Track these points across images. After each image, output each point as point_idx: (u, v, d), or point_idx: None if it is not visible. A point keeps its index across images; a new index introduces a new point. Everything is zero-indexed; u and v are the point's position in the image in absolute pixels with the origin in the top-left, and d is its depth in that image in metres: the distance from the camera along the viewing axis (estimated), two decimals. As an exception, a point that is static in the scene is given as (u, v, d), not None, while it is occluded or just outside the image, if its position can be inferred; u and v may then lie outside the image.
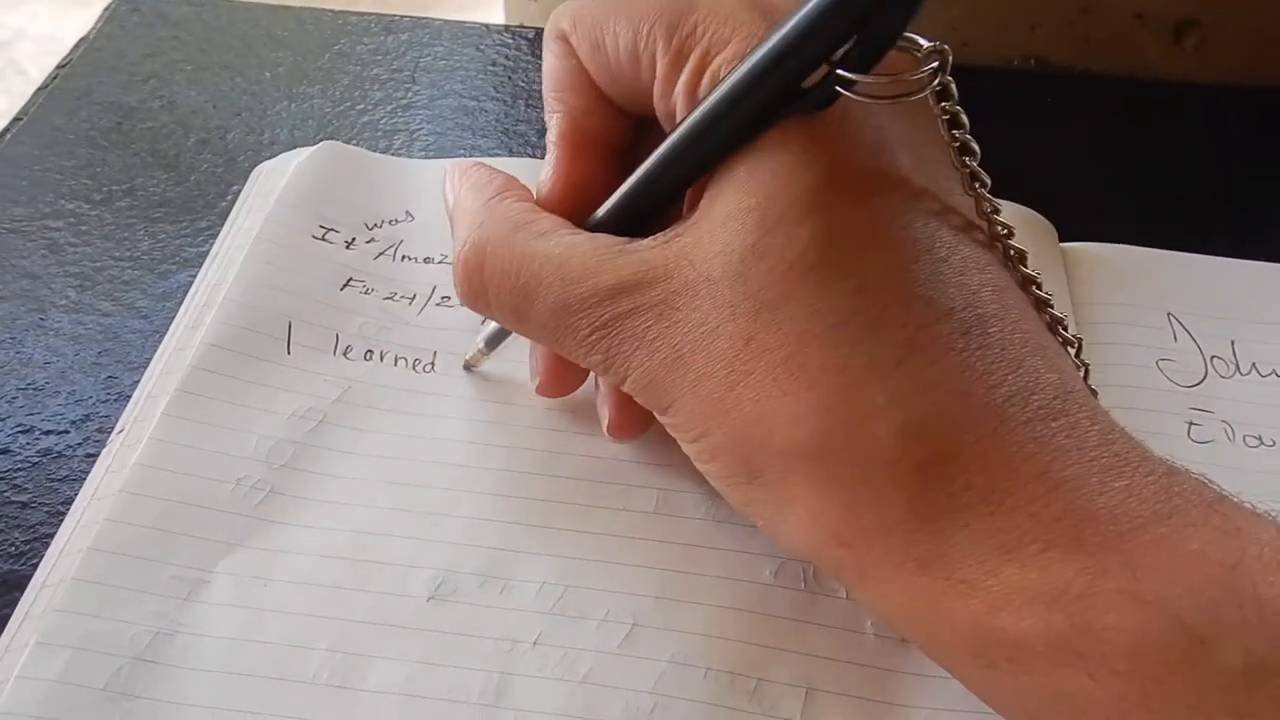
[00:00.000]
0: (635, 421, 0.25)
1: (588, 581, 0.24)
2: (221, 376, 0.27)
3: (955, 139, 0.21)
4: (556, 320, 0.22)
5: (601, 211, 0.23)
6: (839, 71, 0.19)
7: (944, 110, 0.21)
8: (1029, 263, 0.22)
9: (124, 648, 0.22)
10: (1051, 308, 0.22)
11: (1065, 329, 0.23)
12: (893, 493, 0.19)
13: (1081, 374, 0.23)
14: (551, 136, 0.25)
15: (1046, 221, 0.32)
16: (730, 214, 0.20)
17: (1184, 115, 0.38)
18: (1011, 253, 0.22)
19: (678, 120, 0.22)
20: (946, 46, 0.20)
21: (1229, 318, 0.30)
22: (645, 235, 0.22)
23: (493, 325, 0.27)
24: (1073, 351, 0.23)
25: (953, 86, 0.21)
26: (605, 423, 0.25)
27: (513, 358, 0.28)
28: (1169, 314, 0.30)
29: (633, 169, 0.23)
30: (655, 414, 0.22)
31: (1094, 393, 0.23)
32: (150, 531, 0.24)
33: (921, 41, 0.20)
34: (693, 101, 0.21)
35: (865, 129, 0.21)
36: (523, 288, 0.23)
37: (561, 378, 0.26)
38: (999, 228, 0.22)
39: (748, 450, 0.20)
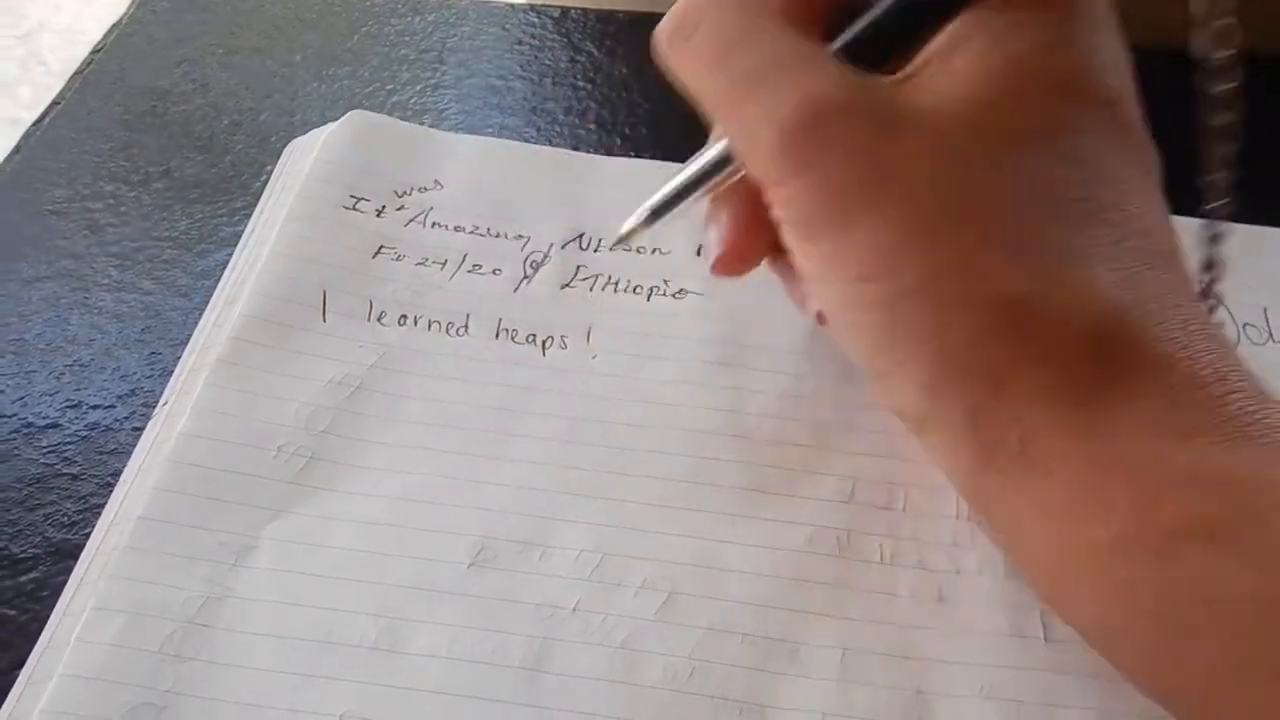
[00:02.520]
0: (753, 249, 0.24)
1: (625, 549, 0.24)
2: (260, 346, 0.28)
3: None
4: (755, 74, 0.20)
5: (837, 43, 0.21)
6: None
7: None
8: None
9: (176, 612, 0.23)
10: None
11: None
12: (1082, 364, 0.19)
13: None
14: None
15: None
16: (976, 67, 0.20)
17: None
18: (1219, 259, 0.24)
19: None
20: None
21: (1262, 286, 0.30)
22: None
23: (660, 194, 0.24)
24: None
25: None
26: (717, 249, 0.24)
27: (544, 320, 0.28)
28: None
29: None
30: (810, 243, 0.20)
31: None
32: (197, 499, 0.25)
33: None
34: None
35: (1105, 40, 0.21)
36: (733, 39, 0.21)
37: (749, 242, 0.24)
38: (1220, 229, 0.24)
39: (942, 296, 0.19)
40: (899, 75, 0.21)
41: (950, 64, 0.20)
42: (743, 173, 0.22)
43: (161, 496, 0.25)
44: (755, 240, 0.23)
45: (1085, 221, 0.20)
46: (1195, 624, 0.17)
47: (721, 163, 0.23)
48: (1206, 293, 0.24)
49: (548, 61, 0.39)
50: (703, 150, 0.24)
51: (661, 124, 0.36)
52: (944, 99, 0.20)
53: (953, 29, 0.21)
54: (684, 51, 0.22)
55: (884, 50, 0.21)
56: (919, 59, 0.21)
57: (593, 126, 0.36)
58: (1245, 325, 0.29)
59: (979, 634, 0.23)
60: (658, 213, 0.24)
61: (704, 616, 0.23)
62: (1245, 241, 0.31)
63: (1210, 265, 0.24)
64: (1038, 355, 0.19)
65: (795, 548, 0.24)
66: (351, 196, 0.31)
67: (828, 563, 0.24)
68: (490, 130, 0.36)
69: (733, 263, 0.24)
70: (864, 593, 0.23)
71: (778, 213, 0.21)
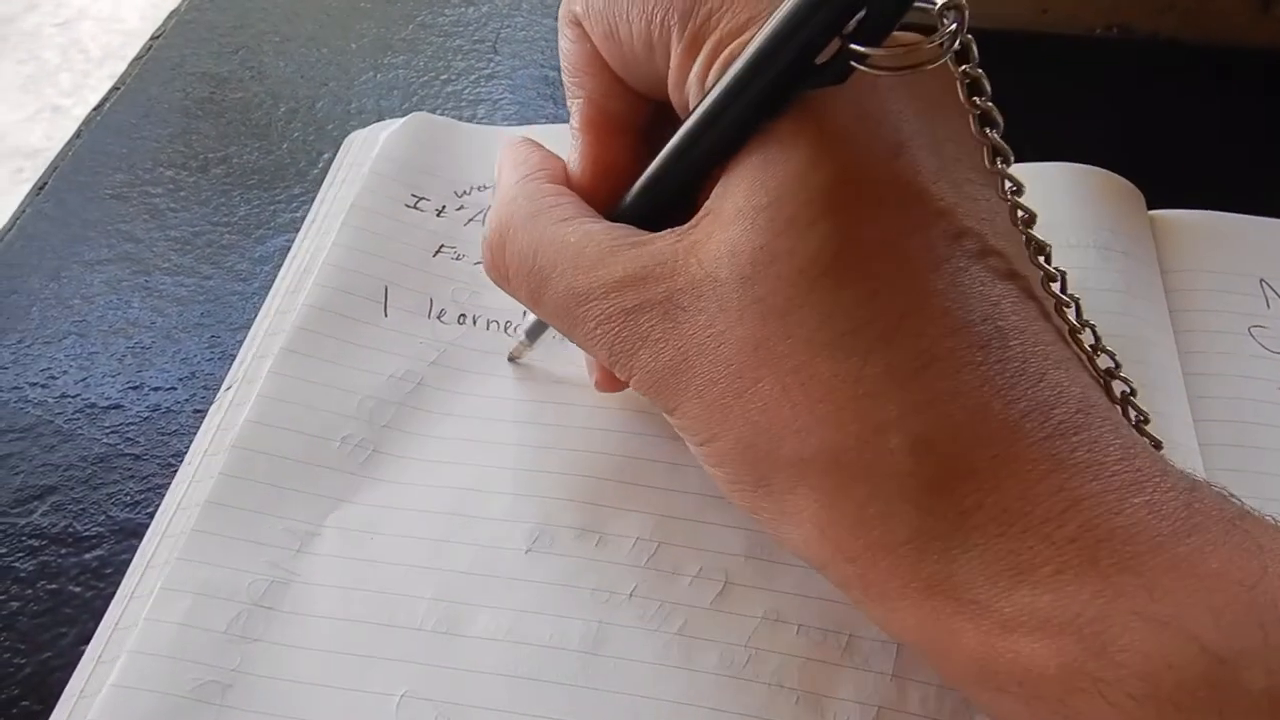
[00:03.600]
0: (618, 382, 0.25)
1: (679, 539, 0.24)
2: (323, 337, 0.28)
3: (976, 106, 0.20)
4: (567, 308, 0.22)
5: (625, 202, 0.23)
6: (851, 45, 0.18)
7: (965, 75, 0.19)
8: (1052, 258, 0.21)
9: (242, 594, 0.23)
10: (1070, 309, 0.21)
11: (1086, 328, 0.22)
12: (901, 509, 0.18)
13: (1102, 382, 0.21)
14: (574, 122, 0.24)
15: (1134, 188, 0.32)
16: (740, 211, 0.19)
17: (1272, 82, 0.38)
18: (1032, 245, 0.21)
19: (690, 109, 0.21)
20: (963, 1, 0.18)
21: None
22: (670, 225, 0.21)
23: (533, 317, 0.27)
24: (1085, 358, 0.21)
25: (974, 48, 0.19)
26: (594, 378, 0.25)
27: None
28: (1261, 280, 0.30)
29: (655, 154, 0.22)
30: (662, 413, 0.22)
31: (1132, 392, 0.22)
32: (263, 486, 0.25)
33: (936, 0, 0.18)
34: (705, 90, 0.20)
35: (883, 126, 0.19)
36: (538, 271, 0.22)
37: (611, 375, 0.25)
38: (1021, 212, 0.21)
39: (754, 458, 0.20)
40: (682, 235, 0.21)
41: (720, 215, 0.20)
42: None
43: (228, 482, 0.25)
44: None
45: (877, 344, 0.18)
46: None
47: None
48: (1062, 305, 0.21)
49: (601, 53, 0.39)
50: None
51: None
52: (717, 262, 0.20)
53: (723, 180, 0.20)
54: (508, 291, 0.24)
55: (665, 210, 0.22)
56: (699, 213, 0.21)
57: (646, 118, 0.36)
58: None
59: None
60: (533, 334, 0.27)
61: (759, 606, 0.23)
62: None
63: (1027, 240, 0.21)
64: (857, 507, 0.18)
65: None
66: (413, 195, 0.32)
67: None
68: (544, 120, 0.36)
69: (607, 386, 0.25)
70: None
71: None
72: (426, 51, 0.39)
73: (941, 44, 0.19)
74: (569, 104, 0.24)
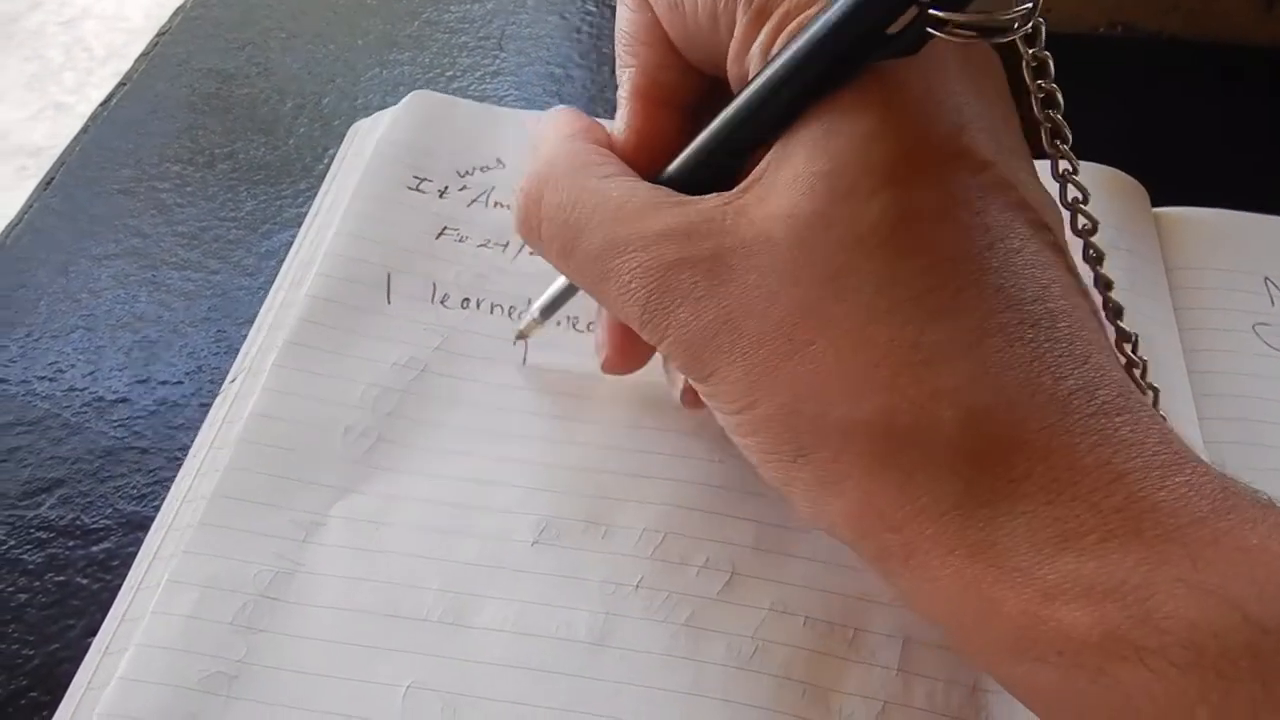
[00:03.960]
0: (634, 358, 0.24)
1: (686, 529, 0.24)
2: (327, 328, 0.28)
3: (1041, 89, 0.20)
4: (601, 259, 0.21)
5: (670, 168, 0.22)
6: (931, 10, 0.18)
7: (1033, 57, 0.20)
8: (1098, 236, 0.22)
9: (248, 586, 0.24)
10: (1111, 290, 0.22)
11: (1120, 319, 0.22)
12: (950, 477, 0.18)
13: (1140, 371, 0.22)
14: (623, 91, 0.24)
15: (1138, 184, 0.32)
16: (799, 176, 0.19)
17: (1276, 81, 0.38)
18: (1082, 225, 0.22)
19: (750, 79, 0.21)
20: None
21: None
22: (713, 193, 0.21)
23: (549, 292, 0.26)
24: (1129, 347, 0.22)
25: (1043, 30, 0.19)
26: (601, 356, 0.25)
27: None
28: (1265, 278, 0.30)
29: (703, 129, 0.22)
30: (691, 380, 0.21)
31: (1155, 389, 0.22)
32: (268, 478, 0.25)
33: None
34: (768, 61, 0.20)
35: (945, 106, 0.20)
36: (574, 223, 0.22)
37: (627, 351, 0.25)
38: (1074, 191, 0.21)
39: (797, 424, 0.19)
40: (731, 198, 0.20)
41: (775, 180, 0.20)
42: None
43: (234, 474, 0.25)
44: (637, 344, 0.24)
45: (936, 314, 0.19)
46: None
47: None
48: (1075, 228, 0.22)
49: (606, 50, 0.39)
50: None
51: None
52: (772, 223, 0.19)
53: (776, 146, 0.20)
54: (538, 246, 0.23)
55: (711, 179, 0.21)
56: (749, 179, 0.20)
57: (651, 115, 0.36)
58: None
59: None
60: (547, 310, 0.27)
61: (766, 597, 0.23)
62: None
63: (1081, 232, 0.22)
64: (904, 474, 0.18)
65: None
66: (415, 177, 0.32)
67: None
68: (549, 117, 0.36)
69: (617, 364, 0.25)
70: None
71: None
72: (432, 48, 0.39)
73: (1015, 18, 0.19)
74: (619, 74, 0.24)
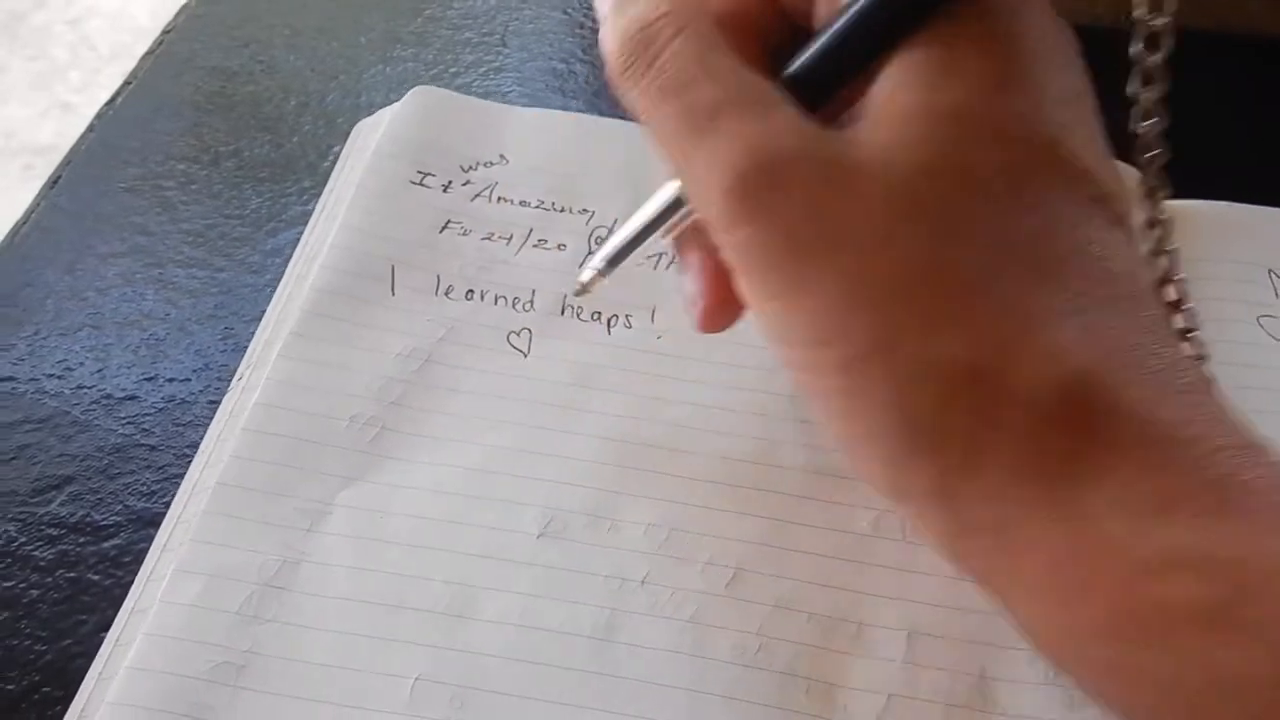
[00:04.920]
0: (729, 307, 0.22)
1: (691, 525, 0.25)
2: (331, 320, 0.28)
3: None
4: (712, 113, 0.19)
5: (787, 70, 0.20)
6: None
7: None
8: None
9: (254, 575, 0.24)
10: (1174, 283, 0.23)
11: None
12: (1052, 436, 0.18)
13: (1202, 362, 0.23)
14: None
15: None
16: (917, 112, 0.19)
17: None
18: (1163, 216, 0.22)
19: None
20: None
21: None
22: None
23: (614, 240, 0.24)
24: (1190, 339, 0.23)
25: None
26: (697, 307, 0.23)
27: (609, 298, 0.29)
28: (1270, 271, 0.30)
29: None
30: (758, 292, 0.19)
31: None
32: (273, 466, 0.25)
33: None
34: None
35: (1067, 70, 0.20)
36: (697, 66, 0.20)
37: (726, 302, 0.22)
38: (1157, 184, 0.22)
39: (893, 367, 0.18)
40: (841, 125, 0.20)
41: (891, 113, 0.19)
42: (695, 216, 0.21)
43: (238, 464, 0.25)
44: (731, 300, 0.22)
45: (1044, 275, 0.18)
46: (1210, 711, 0.16)
47: (675, 205, 0.22)
48: (1156, 252, 0.22)
49: (609, 45, 0.39)
50: (657, 193, 0.23)
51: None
52: (891, 152, 0.19)
53: (890, 73, 0.19)
54: (639, 83, 0.21)
55: (829, 81, 0.20)
56: (857, 107, 0.20)
57: (654, 110, 0.36)
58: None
59: None
60: (614, 260, 0.24)
61: (770, 594, 0.23)
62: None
63: (1153, 224, 0.23)
64: (1003, 430, 0.18)
65: (860, 531, 0.24)
66: (419, 172, 0.32)
67: (892, 546, 0.24)
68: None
69: (716, 317, 0.23)
70: (929, 577, 0.24)
71: (729, 260, 0.20)
72: (435, 44, 0.39)
73: None
74: None
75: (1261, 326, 0.29)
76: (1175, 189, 0.32)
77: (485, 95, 0.37)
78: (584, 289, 0.24)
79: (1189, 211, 0.31)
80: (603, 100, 0.37)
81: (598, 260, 0.24)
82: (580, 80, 0.38)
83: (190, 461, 0.27)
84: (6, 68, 1.71)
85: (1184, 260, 0.30)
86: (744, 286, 0.20)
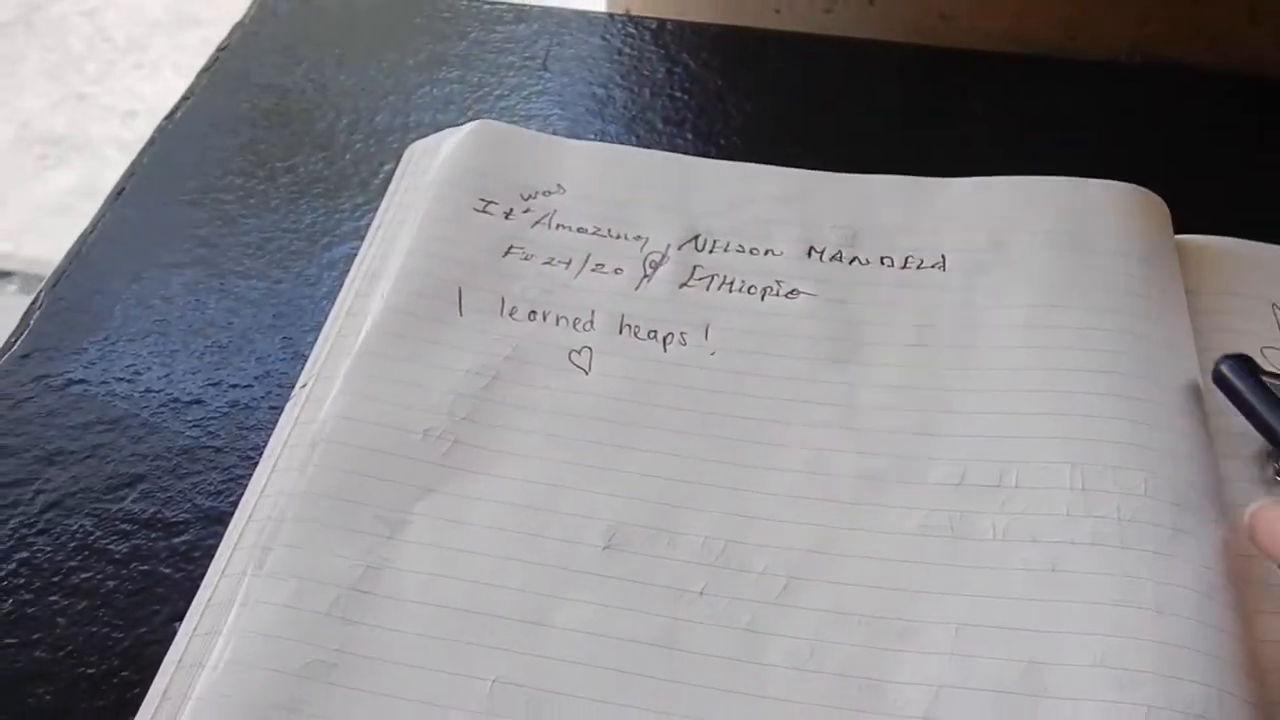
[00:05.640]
0: None
1: (746, 536, 0.26)
2: (402, 338, 0.30)
3: None
4: None
5: None
6: None
7: None
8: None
9: (341, 578, 0.25)
10: None
11: None
12: None
13: None
14: None
15: (1160, 200, 0.33)
16: None
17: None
18: None
19: None
20: None
21: None
22: None
23: None
24: None
25: None
26: None
27: (664, 317, 0.31)
28: (1273, 305, 0.31)
29: None
30: None
31: None
32: (354, 476, 0.27)
33: None
34: None
35: None
36: None
37: None
38: None
39: None
40: None
41: None
42: None
43: (323, 473, 0.27)
44: None
45: None
46: None
47: None
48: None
49: (646, 72, 0.41)
50: None
51: (754, 134, 0.38)
52: None
53: None
54: None
55: None
56: None
57: (690, 136, 0.38)
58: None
59: (1092, 604, 0.24)
60: None
61: (822, 599, 0.25)
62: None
63: None
64: None
65: (909, 532, 0.26)
66: (481, 200, 0.34)
67: (940, 544, 0.26)
68: (592, 136, 0.38)
69: None
70: (977, 570, 0.25)
71: None
72: (479, 68, 0.41)
73: None
74: None
75: (1265, 357, 0.30)
76: (1183, 225, 0.34)
77: (527, 117, 0.39)
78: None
79: (1196, 246, 0.33)
80: (640, 125, 0.39)
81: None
82: (618, 104, 0.39)
83: (254, 464, 0.29)
84: (23, 58, 1.72)
85: (1193, 292, 0.32)
86: None
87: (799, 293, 0.31)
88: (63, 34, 1.76)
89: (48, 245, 1.39)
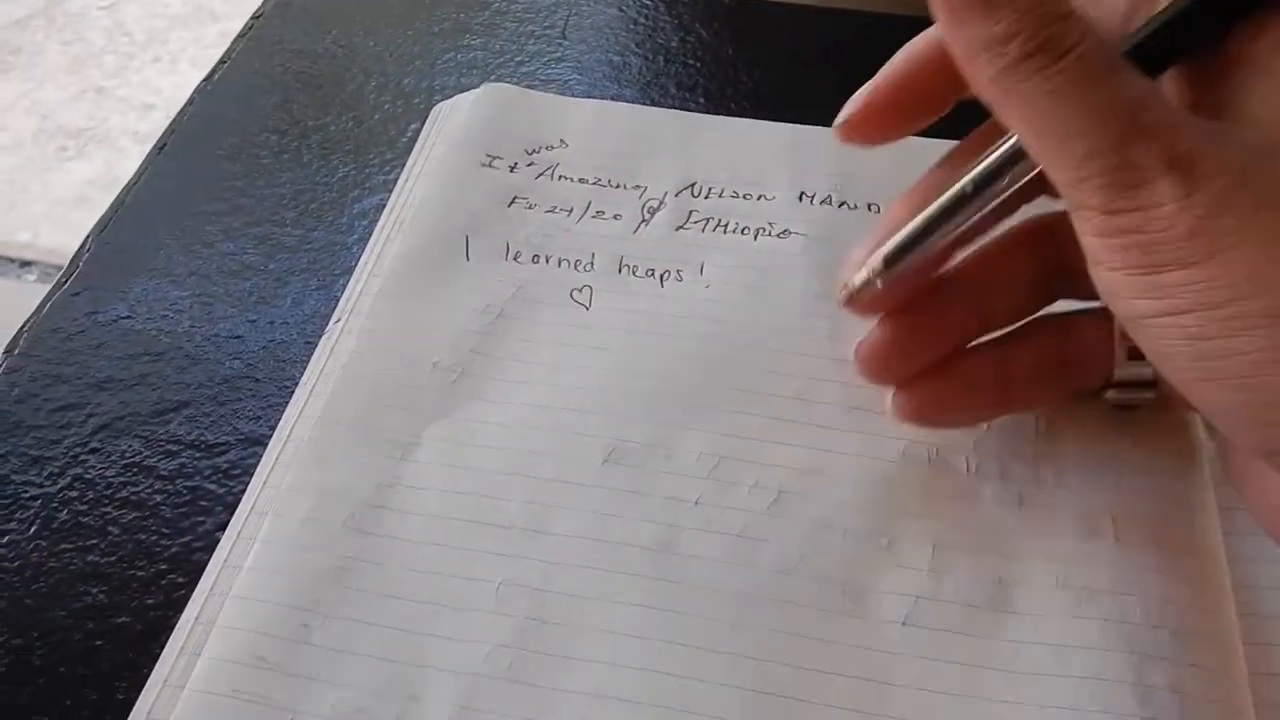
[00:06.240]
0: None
1: (738, 454, 0.28)
2: (414, 281, 0.32)
3: None
4: (1098, 73, 0.20)
5: (1139, 33, 0.21)
6: None
7: None
8: None
9: (356, 494, 0.27)
10: None
11: None
12: None
13: None
14: None
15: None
16: None
17: None
18: None
19: None
20: None
21: None
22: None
23: (898, 238, 0.24)
24: None
25: None
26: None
27: (661, 257, 0.32)
28: None
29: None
30: (1141, 274, 0.20)
31: None
32: (368, 404, 0.29)
33: None
34: None
35: None
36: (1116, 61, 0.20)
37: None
38: None
39: None
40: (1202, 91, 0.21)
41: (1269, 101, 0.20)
42: (1001, 198, 0.23)
43: (338, 400, 0.29)
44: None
45: None
46: None
47: (990, 185, 0.23)
48: None
49: (660, 40, 0.43)
50: (951, 189, 0.23)
51: (763, 101, 0.40)
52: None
53: (1265, 46, 0.20)
54: (1047, 69, 0.20)
55: (1168, 53, 0.21)
56: (1220, 76, 0.21)
57: (701, 100, 0.40)
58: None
59: (1055, 535, 0.26)
60: (894, 258, 0.24)
61: (810, 513, 0.27)
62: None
63: None
64: None
65: (890, 459, 0.28)
66: (488, 155, 0.36)
67: (919, 472, 0.28)
68: (608, 100, 0.40)
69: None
70: (951, 498, 0.27)
71: (1102, 243, 0.20)
72: (501, 35, 0.43)
73: None
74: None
75: None
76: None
77: (547, 83, 0.41)
78: (859, 293, 0.25)
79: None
80: (654, 90, 0.41)
81: (875, 262, 0.24)
82: (634, 71, 0.41)
83: (291, 393, 0.31)
84: (43, 51, 1.75)
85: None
86: (1123, 270, 0.20)
87: (790, 233, 0.33)
88: (82, 28, 1.79)
89: (66, 236, 1.42)
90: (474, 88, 0.40)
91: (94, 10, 1.84)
